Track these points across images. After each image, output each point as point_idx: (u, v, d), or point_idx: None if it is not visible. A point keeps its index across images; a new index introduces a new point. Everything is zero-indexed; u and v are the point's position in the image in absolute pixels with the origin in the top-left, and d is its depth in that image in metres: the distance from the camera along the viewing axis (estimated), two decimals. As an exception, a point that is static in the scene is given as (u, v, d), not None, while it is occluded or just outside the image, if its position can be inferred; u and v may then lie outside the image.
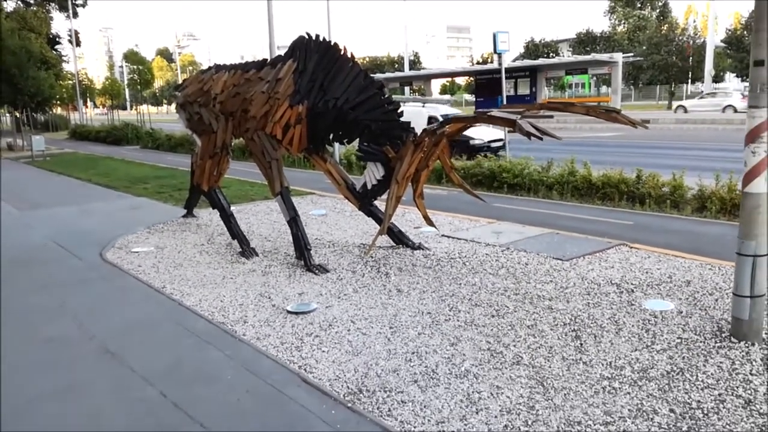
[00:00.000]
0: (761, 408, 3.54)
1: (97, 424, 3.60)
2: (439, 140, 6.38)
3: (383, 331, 4.88)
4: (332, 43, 6.94)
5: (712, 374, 3.97)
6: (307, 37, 7.06)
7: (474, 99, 48.87)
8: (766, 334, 4.50)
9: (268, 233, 8.53)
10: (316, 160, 7.57)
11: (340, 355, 4.48)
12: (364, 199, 7.18)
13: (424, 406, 3.69)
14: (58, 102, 39.12)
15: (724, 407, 3.57)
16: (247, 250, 7.34)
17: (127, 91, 50.61)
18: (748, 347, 4.33)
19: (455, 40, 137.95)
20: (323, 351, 4.55)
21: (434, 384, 3.98)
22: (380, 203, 7.39)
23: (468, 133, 15.67)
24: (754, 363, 4.11)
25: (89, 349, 4.71)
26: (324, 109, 6.67)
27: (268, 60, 7.59)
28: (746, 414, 3.49)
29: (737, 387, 3.80)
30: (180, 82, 9.15)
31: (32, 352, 4.72)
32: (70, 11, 38.84)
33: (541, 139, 5.02)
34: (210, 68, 8.30)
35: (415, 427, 3.47)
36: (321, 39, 6.99)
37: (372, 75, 7.13)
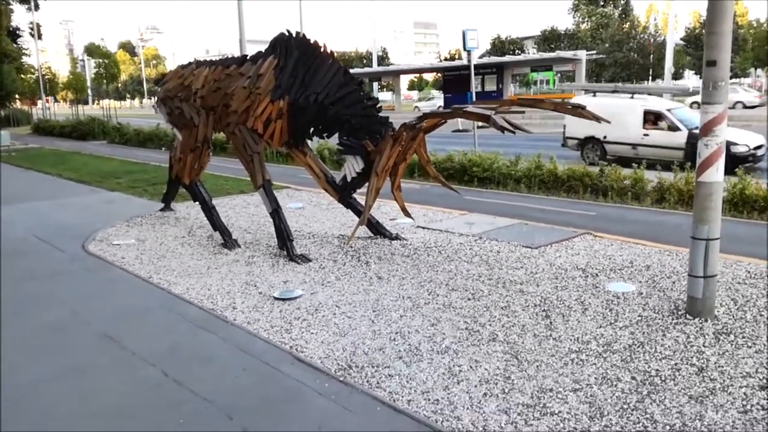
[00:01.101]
0: (712, 374, 3.95)
1: (105, 402, 3.82)
2: (416, 135, 6.69)
3: (367, 315, 5.17)
4: (312, 41, 7.18)
5: (669, 347, 4.38)
6: (287, 34, 7.28)
7: (442, 95, 49.40)
8: (717, 311, 4.94)
9: (248, 226, 8.73)
10: (296, 154, 7.80)
11: (328, 336, 4.76)
12: (343, 192, 7.44)
13: (410, 379, 4.00)
14: (19, 96, 38.23)
15: (679, 374, 3.96)
16: (229, 242, 7.54)
17: (89, 85, 49.78)
18: (701, 323, 4.75)
19: (422, 36, 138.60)
20: (312, 333, 4.83)
21: (418, 360, 4.29)
22: (357, 196, 7.68)
23: (730, 137, 13.35)
24: (706, 336, 4.53)
25: (87, 334, 4.91)
26: (305, 104, 6.92)
27: (249, 56, 7.78)
28: (699, 380, 3.89)
29: (692, 357, 4.20)
30: (156, 76, 9.23)
31: (33, 338, 4.90)
32: (32, 3, 37.97)
33: (514, 133, 5.37)
34: (190, 63, 8.46)
35: (402, 396, 3.78)
36: (301, 36, 7.22)
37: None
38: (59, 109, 50.48)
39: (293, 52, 7.11)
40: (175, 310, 5.40)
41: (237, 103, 7.25)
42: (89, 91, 64.21)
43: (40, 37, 40.77)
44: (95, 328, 5.01)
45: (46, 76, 39.59)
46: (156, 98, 8.69)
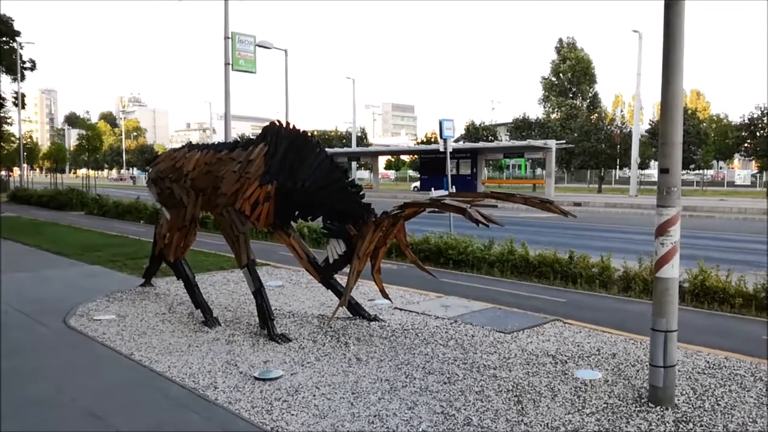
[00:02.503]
0: (672, 461, 4.20)
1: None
2: (396, 221, 7.08)
3: (346, 397, 5.35)
4: (301, 131, 7.66)
5: (632, 433, 4.63)
6: (278, 123, 7.76)
7: (419, 176, 50.78)
8: (677, 399, 5.23)
9: (228, 303, 8.89)
10: (280, 235, 8.11)
11: (308, 418, 4.91)
12: (325, 272, 7.72)
13: (388, 462, 4.17)
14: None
15: (642, 460, 4.21)
16: (210, 320, 7.69)
17: (69, 155, 50.21)
18: (662, 411, 5.03)
19: (400, 118, 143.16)
20: (292, 414, 4.98)
21: (396, 442, 4.47)
22: (338, 276, 7.96)
23: None
24: (667, 425, 4.80)
25: (74, 411, 4.98)
26: (292, 189, 7.30)
27: (239, 142, 8.22)
28: (660, 466, 4.14)
29: (653, 444, 4.46)
30: (153, 157, 9.57)
31: (21, 412, 4.94)
32: (18, 74, 38.74)
33: (488, 226, 5.79)
34: (183, 147, 8.86)
35: (381, 479, 3.94)
36: (291, 126, 7.71)
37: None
38: (35, 178, 50.45)
39: (283, 141, 7.56)
40: (157, 388, 5.51)
41: (227, 186, 7.61)
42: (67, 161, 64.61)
43: (23, 106, 41.37)
44: (81, 405, 5.09)
45: (27, 145, 39.87)
46: (147, 178, 9.03)
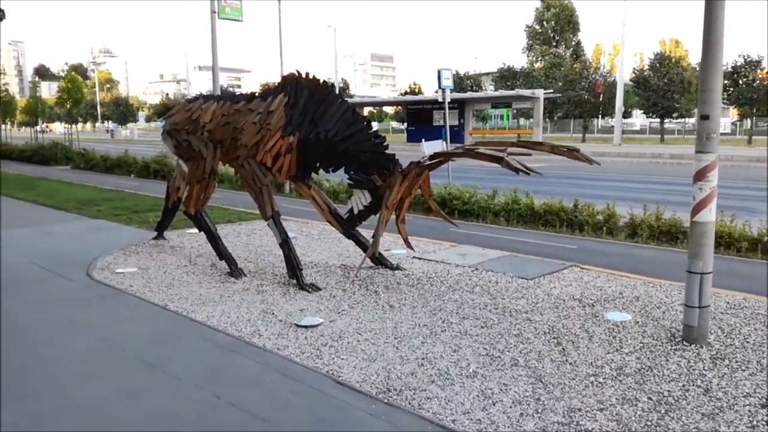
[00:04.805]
0: (717, 395, 4.41)
1: (166, 424, 3.99)
2: (422, 171, 7.10)
3: (390, 341, 5.47)
4: (322, 81, 7.56)
5: (674, 370, 4.84)
6: (297, 74, 7.64)
7: (405, 127, 50.48)
8: (708, 338, 5.46)
9: (246, 255, 8.91)
10: (300, 187, 8.10)
11: (359, 361, 5.03)
12: (348, 224, 7.76)
13: (448, 401, 4.32)
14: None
15: (689, 395, 4.41)
16: (235, 271, 7.72)
17: (46, 107, 48.69)
18: (698, 349, 5.25)
19: (379, 69, 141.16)
20: (342, 359, 5.09)
21: (450, 383, 4.61)
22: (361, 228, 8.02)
23: None
24: (704, 361, 5.02)
25: (125, 359, 5.04)
26: (315, 141, 7.25)
27: (257, 93, 8.09)
28: (707, 399, 4.34)
29: (696, 379, 4.67)
30: (168, 109, 9.31)
31: (71, 363, 4.98)
32: (-11, 24, 37.13)
33: (528, 174, 5.85)
34: (197, 98, 8.70)
35: (446, 417, 4.10)
36: (311, 77, 7.59)
37: None
38: (10, 133, 48.90)
39: (303, 91, 7.46)
40: (203, 336, 5.58)
41: (247, 138, 7.53)
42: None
43: (-4, 58, 39.87)
44: (131, 354, 5.15)
45: (4, 98, 38.66)
46: (162, 131, 8.86)
